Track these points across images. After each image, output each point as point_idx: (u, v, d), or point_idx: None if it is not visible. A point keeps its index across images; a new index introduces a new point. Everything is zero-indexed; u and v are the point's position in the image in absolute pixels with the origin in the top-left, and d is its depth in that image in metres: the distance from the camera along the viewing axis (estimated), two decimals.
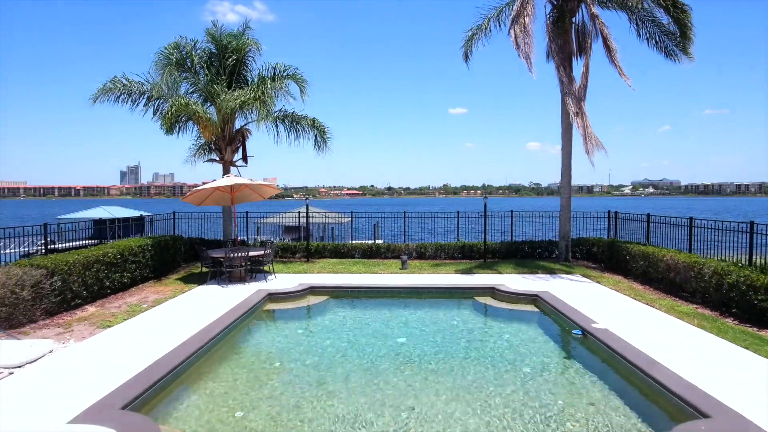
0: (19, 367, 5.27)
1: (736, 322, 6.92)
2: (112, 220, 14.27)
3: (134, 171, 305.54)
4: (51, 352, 5.78)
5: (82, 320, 7.21)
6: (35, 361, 5.46)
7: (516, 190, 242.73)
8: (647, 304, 7.95)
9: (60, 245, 12.52)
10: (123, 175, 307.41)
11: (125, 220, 14.69)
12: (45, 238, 9.57)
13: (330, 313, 8.23)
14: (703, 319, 7.03)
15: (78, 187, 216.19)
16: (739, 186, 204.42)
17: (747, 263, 7.87)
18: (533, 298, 8.49)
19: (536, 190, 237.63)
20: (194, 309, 7.70)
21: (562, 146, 12.62)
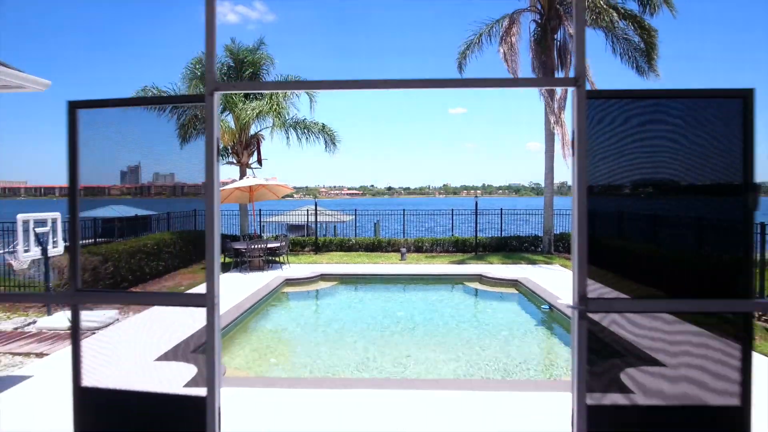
0: (99, 328, 6.72)
1: None
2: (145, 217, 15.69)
3: (134, 171, 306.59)
4: (117, 320, 7.23)
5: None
6: (108, 325, 6.91)
7: (516, 190, 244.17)
8: (605, 285, 9.41)
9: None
10: (123, 175, 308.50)
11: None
12: (95, 235, 11.04)
13: (339, 294, 9.69)
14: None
15: (78, 187, 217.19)
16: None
17: None
18: (514, 283, 9.94)
19: (536, 190, 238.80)
20: (224, 290, 9.15)
21: (545, 150, 14.08)
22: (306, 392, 4.38)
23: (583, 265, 2.23)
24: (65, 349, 5.79)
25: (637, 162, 2.34)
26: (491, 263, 12.37)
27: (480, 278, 10.57)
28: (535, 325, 7.42)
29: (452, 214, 15.68)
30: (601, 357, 2.36)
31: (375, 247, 14.82)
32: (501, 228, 15.37)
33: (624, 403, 2.27)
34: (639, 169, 2.35)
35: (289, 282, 10.25)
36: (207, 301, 2.29)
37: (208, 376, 2.26)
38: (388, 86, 2.33)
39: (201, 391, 2.29)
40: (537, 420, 3.65)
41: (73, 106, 2.48)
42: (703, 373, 2.24)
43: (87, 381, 2.50)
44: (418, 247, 14.77)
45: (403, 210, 15.95)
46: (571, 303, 2.34)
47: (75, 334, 2.48)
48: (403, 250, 13.17)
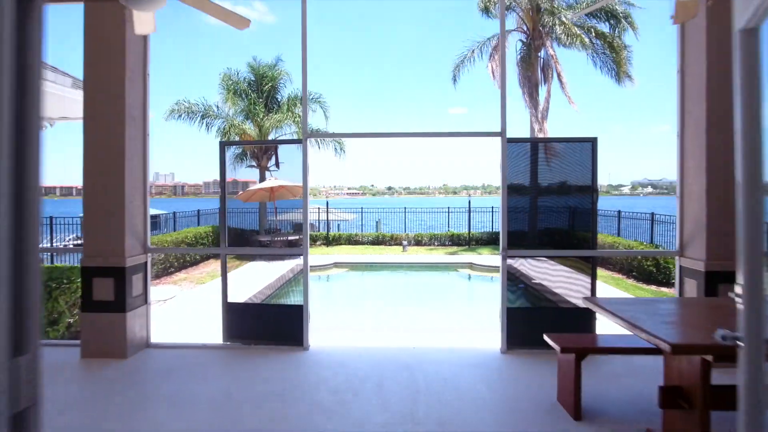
0: (165, 300, 8.69)
1: (632, 281, 10.35)
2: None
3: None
4: (175, 296, 9.21)
5: (181, 280, 10.64)
6: (171, 298, 8.89)
7: (516, 189, 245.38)
8: (578, 271, 11.41)
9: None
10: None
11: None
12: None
13: (351, 277, 11.69)
14: (610, 279, 10.46)
15: (79, 187, 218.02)
16: None
17: (650, 241, 11.33)
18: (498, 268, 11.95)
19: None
20: (254, 274, 11.14)
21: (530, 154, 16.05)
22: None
23: (504, 231, 4.20)
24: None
25: (537, 172, 4.32)
26: (482, 254, 14.36)
27: (471, 265, 12.55)
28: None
29: (448, 212, 17.67)
30: (517, 285, 4.33)
31: (379, 241, 16.82)
32: (492, 224, 17.36)
33: (527, 305, 4.26)
34: (538, 176, 4.33)
35: (312, 267, 12.26)
36: (303, 251, 4.27)
37: (304, 292, 4.24)
38: (397, 136, 4.32)
39: (299, 303, 4.28)
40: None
41: (222, 144, 4.46)
42: (570, 289, 4.22)
43: (229, 299, 4.48)
44: (418, 241, 16.76)
45: (404, 208, 17.95)
46: (536, 281, 4.31)
47: (224, 272, 4.46)
48: (405, 243, 15.16)
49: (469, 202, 16.51)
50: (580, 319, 4.23)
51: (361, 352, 4.28)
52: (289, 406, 3.15)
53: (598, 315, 3.85)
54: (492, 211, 17.39)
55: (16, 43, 0.72)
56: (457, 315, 7.81)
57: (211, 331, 4.74)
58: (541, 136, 14.69)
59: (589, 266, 4.31)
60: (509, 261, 4.36)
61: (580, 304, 4.17)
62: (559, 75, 14.13)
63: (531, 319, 4.28)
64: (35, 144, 0.70)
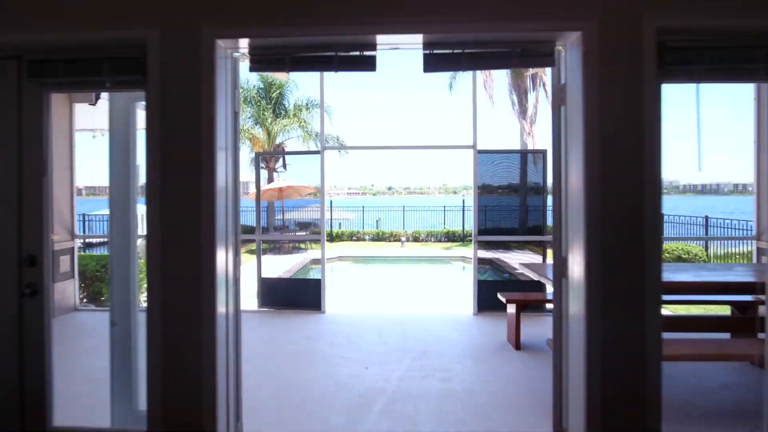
0: None
1: None
2: None
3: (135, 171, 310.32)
4: None
5: None
6: None
7: (515, 189, 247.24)
8: (534, 253, 12.76)
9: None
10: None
11: None
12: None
13: (355, 268, 13.01)
14: None
15: (79, 187, 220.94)
16: (736, 185, 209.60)
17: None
18: (489, 261, 13.26)
19: (535, 190, 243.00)
20: (269, 265, 12.47)
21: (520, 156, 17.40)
22: None
23: (476, 222, 5.52)
24: None
25: (500, 175, 5.64)
26: (490, 250, 15.69)
27: (463, 258, 13.88)
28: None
29: (444, 210, 19.00)
30: (486, 263, 5.66)
31: (379, 237, 18.14)
32: (485, 222, 18.67)
33: (497, 279, 5.59)
34: (501, 179, 5.66)
35: (315, 261, 13.56)
36: (321, 238, 5.59)
37: (322, 269, 5.56)
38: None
39: (318, 277, 5.60)
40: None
41: (257, 155, 5.78)
42: (528, 267, 5.55)
43: (263, 275, 5.81)
44: (416, 238, 18.08)
45: (403, 207, 19.28)
46: (518, 269, 5.62)
47: (259, 255, 5.77)
48: (403, 239, 16.48)
49: (463, 201, 17.83)
50: (535, 289, 5.55)
51: (365, 315, 5.60)
52: (315, 343, 4.48)
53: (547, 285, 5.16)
54: (485, 210, 18.70)
55: (231, 99, 2.06)
56: (445, 294, 9.15)
57: (245, 300, 6.06)
58: (530, 139, 16.03)
59: (541, 249, 5.64)
60: (482, 252, 5.67)
61: (519, 269, 5.50)
62: (544, 84, 15.44)
63: (496, 289, 5.60)
64: (236, 163, 2.02)
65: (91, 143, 6.40)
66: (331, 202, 18.88)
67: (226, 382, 2.23)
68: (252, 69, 2.13)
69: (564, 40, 2.07)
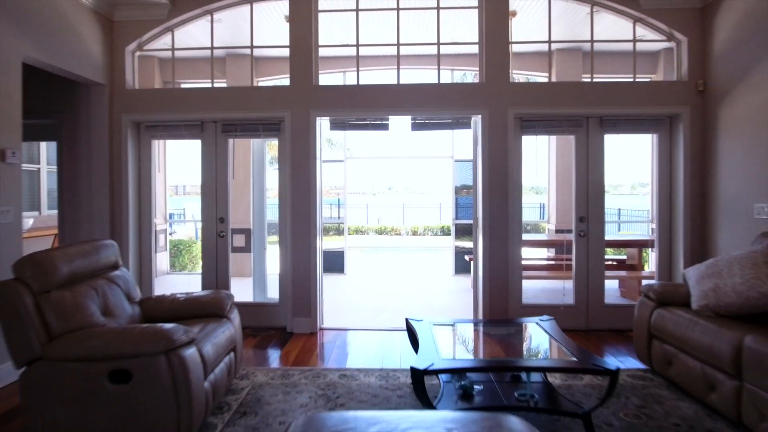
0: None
1: None
2: None
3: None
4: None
5: None
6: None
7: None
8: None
9: None
10: None
11: None
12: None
13: (362, 254, 15.44)
14: None
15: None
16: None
17: None
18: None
19: (536, 189, 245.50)
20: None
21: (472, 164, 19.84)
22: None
23: (455, 210, 7.94)
24: None
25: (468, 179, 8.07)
26: (467, 241, 18.15)
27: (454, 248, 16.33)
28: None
29: (440, 208, 21.42)
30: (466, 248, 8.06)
31: (381, 231, 20.57)
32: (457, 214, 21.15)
33: (466, 248, 8.02)
34: (468, 181, 8.10)
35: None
36: (344, 225, 8.02)
37: (345, 242, 7.99)
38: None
39: (341, 248, 8.03)
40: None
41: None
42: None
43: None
44: (414, 232, 20.51)
45: (403, 204, 21.71)
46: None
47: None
48: (403, 233, 18.90)
49: (456, 199, 20.27)
50: None
51: (377, 279, 8.03)
52: (339, 293, 6.92)
53: None
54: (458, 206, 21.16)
55: (319, 141, 4.52)
56: (434, 265, 11.60)
57: None
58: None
59: None
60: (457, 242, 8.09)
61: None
62: None
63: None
64: (315, 172, 4.47)
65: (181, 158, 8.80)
66: (339, 201, 21.32)
67: (317, 296, 4.66)
68: (331, 129, 4.55)
69: (476, 116, 4.49)
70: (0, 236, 3.28)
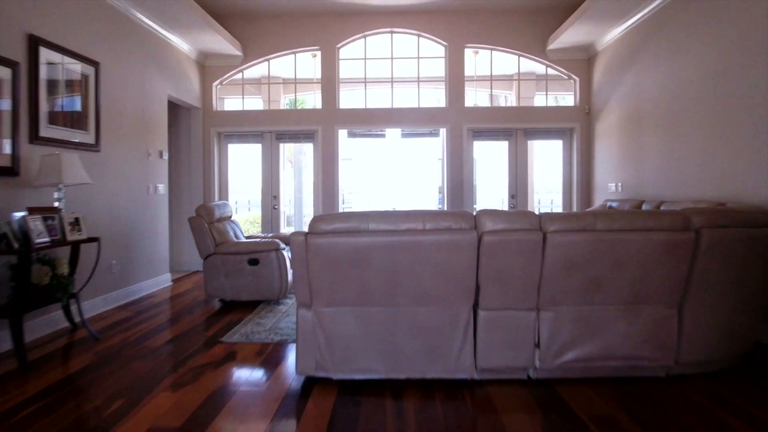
0: None
1: None
2: None
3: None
4: None
5: None
6: None
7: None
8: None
9: None
10: None
11: None
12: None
13: None
14: None
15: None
16: None
17: None
18: None
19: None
20: None
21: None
22: None
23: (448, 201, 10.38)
24: None
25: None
26: None
27: None
28: None
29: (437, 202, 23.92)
30: None
31: None
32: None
33: None
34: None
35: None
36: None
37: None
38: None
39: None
40: None
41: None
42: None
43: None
44: None
45: (401, 201, 24.18)
46: None
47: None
48: None
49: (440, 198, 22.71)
50: None
51: None
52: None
53: None
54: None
55: (338, 146, 6.95)
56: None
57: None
58: None
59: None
60: None
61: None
62: None
63: None
64: (336, 174, 6.90)
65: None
66: (342, 196, 23.79)
67: None
68: (348, 137, 6.95)
69: (443, 128, 6.90)
70: (156, 201, 5.69)
